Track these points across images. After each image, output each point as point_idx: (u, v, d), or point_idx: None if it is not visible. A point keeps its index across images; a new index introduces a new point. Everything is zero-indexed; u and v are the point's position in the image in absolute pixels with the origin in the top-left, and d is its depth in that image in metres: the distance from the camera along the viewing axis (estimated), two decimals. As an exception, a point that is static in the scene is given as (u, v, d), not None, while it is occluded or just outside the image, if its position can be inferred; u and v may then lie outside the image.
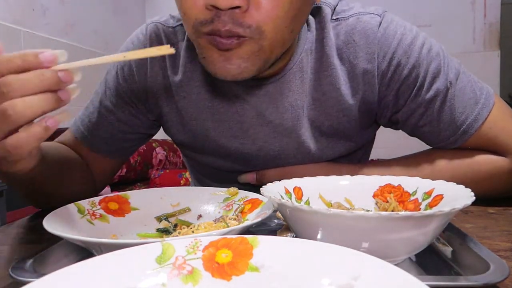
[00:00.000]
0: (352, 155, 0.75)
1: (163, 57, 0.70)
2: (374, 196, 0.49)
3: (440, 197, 0.43)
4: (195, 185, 0.90)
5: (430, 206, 0.44)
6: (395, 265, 0.25)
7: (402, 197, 0.48)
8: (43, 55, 0.38)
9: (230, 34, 0.51)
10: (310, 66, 0.66)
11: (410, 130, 0.68)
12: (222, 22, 0.50)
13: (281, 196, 0.45)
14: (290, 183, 0.48)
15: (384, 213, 0.32)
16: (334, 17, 0.65)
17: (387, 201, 0.47)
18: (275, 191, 0.44)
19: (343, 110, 0.66)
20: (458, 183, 0.41)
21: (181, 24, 0.70)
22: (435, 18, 2.46)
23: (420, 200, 0.46)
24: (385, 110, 0.67)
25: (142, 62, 0.70)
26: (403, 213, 0.32)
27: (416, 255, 0.40)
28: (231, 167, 0.74)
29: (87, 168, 0.75)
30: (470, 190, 0.40)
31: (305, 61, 0.65)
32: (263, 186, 0.43)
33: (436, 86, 0.62)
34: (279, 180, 0.47)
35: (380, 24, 0.63)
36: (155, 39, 0.70)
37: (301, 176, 0.49)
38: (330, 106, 0.66)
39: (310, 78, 0.66)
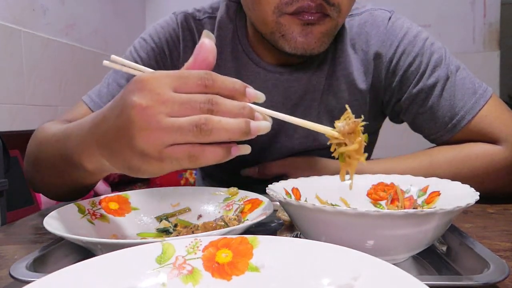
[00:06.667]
0: None
1: (194, 46, 0.72)
2: (368, 195, 0.50)
3: (436, 194, 0.44)
4: (201, 179, 0.93)
5: (426, 202, 0.44)
6: (395, 265, 0.25)
7: (396, 194, 0.48)
8: (249, 91, 0.39)
9: (320, 9, 0.58)
10: (326, 55, 0.71)
11: (412, 119, 0.72)
12: None
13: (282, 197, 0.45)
14: (288, 184, 0.48)
15: (386, 210, 0.33)
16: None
17: (396, 199, 0.48)
18: (277, 191, 0.45)
19: (355, 94, 0.72)
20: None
21: (208, 17, 0.74)
22: (434, 18, 2.46)
23: (415, 197, 0.46)
24: (390, 97, 0.72)
25: (174, 46, 0.73)
26: (405, 210, 0.33)
27: (416, 255, 0.40)
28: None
29: None
30: (473, 190, 0.40)
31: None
32: (268, 186, 0.44)
33: (437, 73, 0.67)
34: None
35: (390, 18, 0.71)
36: (186, 27, 0.73)
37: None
38: (343, 90, 0.72)
39: (327, 65, 0.71)
